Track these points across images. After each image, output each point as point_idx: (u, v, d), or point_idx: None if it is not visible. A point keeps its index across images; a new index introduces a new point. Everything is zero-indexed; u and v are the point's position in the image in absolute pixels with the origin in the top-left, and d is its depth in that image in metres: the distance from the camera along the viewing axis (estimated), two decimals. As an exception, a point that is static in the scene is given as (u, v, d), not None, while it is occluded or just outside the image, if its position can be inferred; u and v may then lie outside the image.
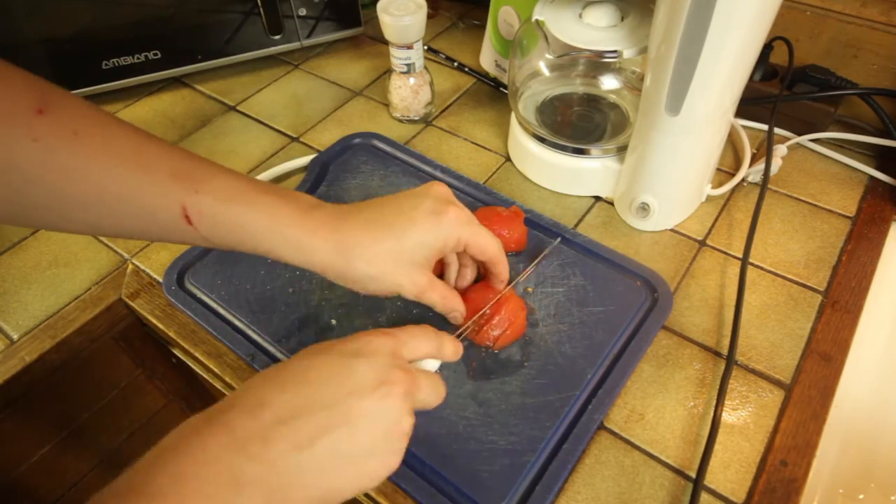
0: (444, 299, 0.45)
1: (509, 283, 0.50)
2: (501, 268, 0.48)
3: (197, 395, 0.77)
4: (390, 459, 0.34)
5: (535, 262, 0.55)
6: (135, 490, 0.28)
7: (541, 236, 0.59)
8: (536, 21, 0.58)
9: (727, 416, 0.48)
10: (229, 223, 0.39)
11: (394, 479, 0.44)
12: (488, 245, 0.46)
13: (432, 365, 0.42)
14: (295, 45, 0.82)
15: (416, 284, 0.43)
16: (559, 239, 0.57)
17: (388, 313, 0.53)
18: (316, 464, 0.31)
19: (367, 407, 0.33)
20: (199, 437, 0.30)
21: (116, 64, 0.75)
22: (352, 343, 0.36)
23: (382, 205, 0.44)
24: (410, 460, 0.45)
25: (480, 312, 0.49)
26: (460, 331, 0.47)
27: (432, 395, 0.38)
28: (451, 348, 0.42)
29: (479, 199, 0.62)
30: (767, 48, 0.68)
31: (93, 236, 0.63)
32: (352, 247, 0.41)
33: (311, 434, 0.31)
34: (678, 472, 0.45)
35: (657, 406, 0.49)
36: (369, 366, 0.34)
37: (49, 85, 0.35)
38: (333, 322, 0.53)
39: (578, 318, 0.52)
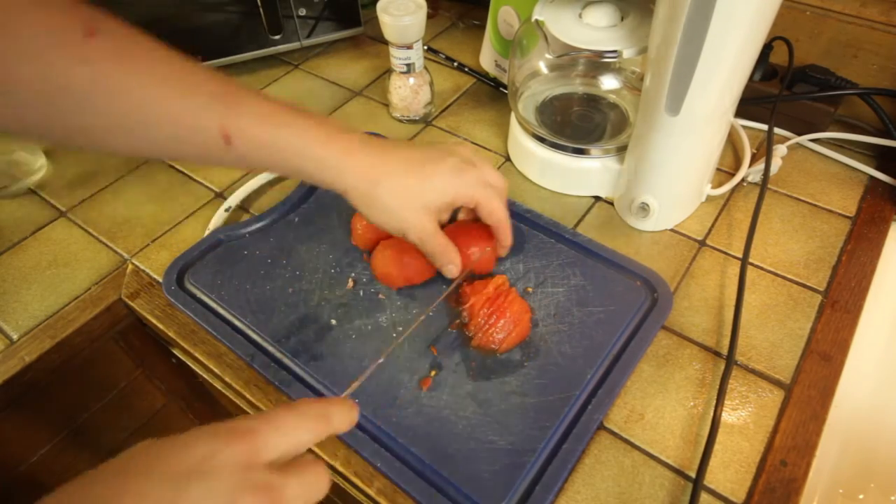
0: (444, 249, 0.48)
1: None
2: (505, 234, 0.50)
3: (196, 395, 0.77)
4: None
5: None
6: None
7: (540, 236, 0.59)
8: (536, 21, 0.58)
9: (727, 416, 0.48)
10: (265, 144, 0.41)
11: (394, 479, 0.44)
12: (497, 209, 0.48)
13: None
14: (295, 45, 0.82)
15: (424, 228, 0.46)
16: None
17: (387, 313, 0.53)
18: None
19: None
20: None
21: (116, 64, 0.75)
22: (185, 456, 0.27)
23: (416, 148, 0.47)
24: (410, 460, 0.45)
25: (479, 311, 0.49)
26: (349, 390, 0.40)
27: (306, 495, 0.29)
28: (344, 418, 0.33)
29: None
30: (767, 48, 0.68)
31: (82, 229, 0.63)
32: (381, 175, 0.44)
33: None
34: (678, 472, 0.45)
35: (657, 406, 0.49)
36: (208, 490, 0.26)
37: (96, 9, 0.36)
38: (333, 322, 0.53)
39: (578, 318, 0.52)
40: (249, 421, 0.29)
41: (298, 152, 0.42)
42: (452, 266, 0.49)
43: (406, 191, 0.44)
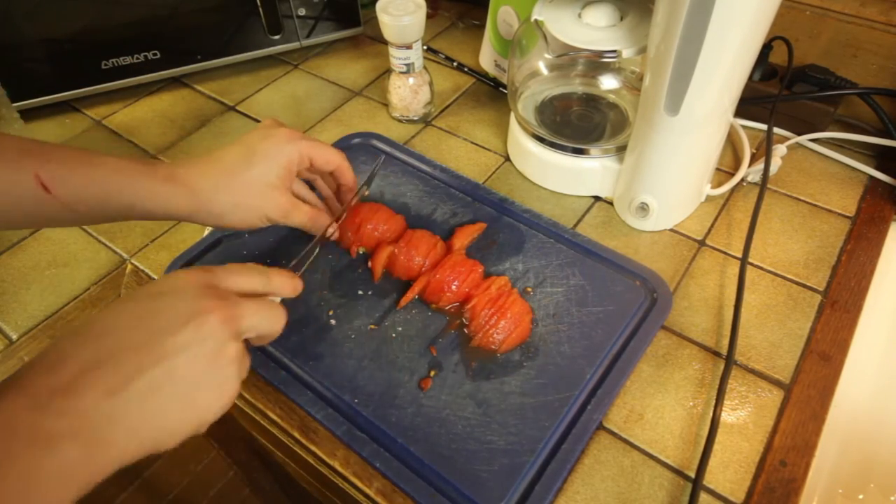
0: (311, 218, 0.50)
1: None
2: (346, 173, 0.53)
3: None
4: (221, 389, 0.33)
5: (368, 176, 0.58)
6: None
7: (540, 236, 0.59)
8: (536, 21, 0.58)
9: (726, 416, 0.48)
10: (86, 185, 0.41)
11: (393, 479, 0.44)
12: (332, 154, 0.51)
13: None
14: (294, 45, 0.82)
15: (280, 206, 0.48)
16: (383, 157, 0.61)
17: (388, 313, 0.53)
18: (135, 406, 0.30)
19: (181, 341, 0.31)
20: None
21: (116, 64, 0.75)
22: (157, 285, 0.34)
23: (221, 150, 0.48)
24: (409, 460, 0.45)
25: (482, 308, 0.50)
26: (295, 262, 0.47)
27: (263, 319, 0.36)
28: (284, 282, 0.41)
29: (477, 198, 0.62)
30: (767, 48, 0.68)
31: (81, 229, 0.63)
32: (209, 185, 0.45)
33: (123, 378, 0.30)
34: (677, 472, 0.45)
35: (656, 406, 0.49)
36: (177, 300, 0.33)
37: None
38: (332, 322, 0.53)
39: (578, 318, 0.52)
40: (204, 267, 0.37)
41: (122, 189, 0.43)
42: (329, 229, 0.52)
43: (242, 184, 0.46)
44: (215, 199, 0.45)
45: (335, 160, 0.51)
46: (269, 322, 0.37)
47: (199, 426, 0.33)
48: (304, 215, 0.50)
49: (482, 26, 0.75)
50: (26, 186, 0.40)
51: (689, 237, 0.60)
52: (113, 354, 0.30)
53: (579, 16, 0.58)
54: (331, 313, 0.53)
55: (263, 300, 0.38)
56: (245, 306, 0.35)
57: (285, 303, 0.41)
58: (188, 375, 0.31)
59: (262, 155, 0.47)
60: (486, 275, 0.54)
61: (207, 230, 0.61)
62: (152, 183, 0.43)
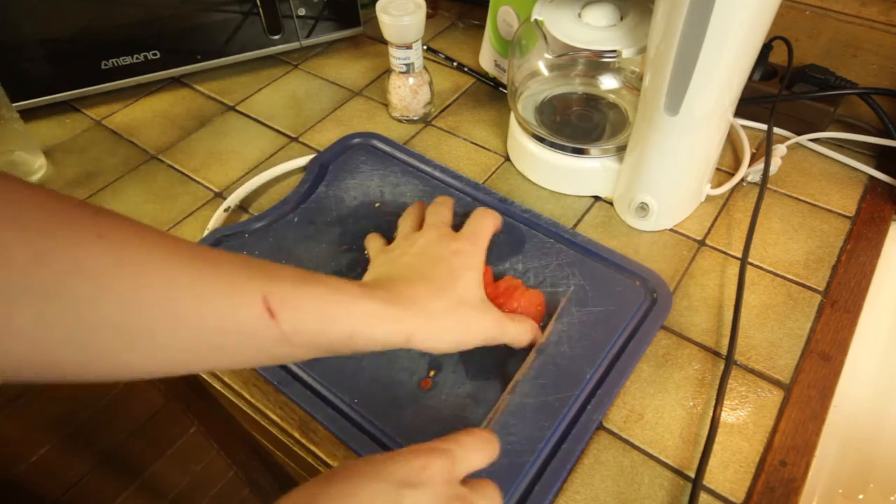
0: (529, 329, 0.48)
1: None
2: None
3: (196, 395, 0.77)
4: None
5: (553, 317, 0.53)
6: None
7: (540, 236, 0.59)
8: (535, 21, 0.58)
9: (726, 416, 0.48)
10: (311, 309, 0.35)
11: (392, 480, 0.44)
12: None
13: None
14: (294, 45, 0.82)
15: (496, 318, 0.45)
16: (572, 289, 0.55)
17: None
18: None
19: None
20: None
21: (116, 64, 0.75)
22: (404, 467, 0.32)
23: (410, 271, 0.46)
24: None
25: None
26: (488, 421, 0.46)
27: None
28: (496, 449, 0.39)
29: (477, 198, 0.62)
30: (767, 48, 0.68)
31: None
32: (426, 304, 0.42)
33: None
34: (677, 472, 0.45)
35: (656, 406, 0.49)
36: (420, 500, 0.31)
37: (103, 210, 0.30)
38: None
39: (577, 318, 0.52)
40: (443, 443, 0.35)
41: (347, 312, 0.37)
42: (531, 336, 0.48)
43: (457, 301, 0.44)
44: (433, 320, 0.41)
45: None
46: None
47: None
48: (520, 327, 0.47)
49: (482, 26, 0.75)
50: (252, 307, 0.32)
51: (688, 237, 0.60)
52: None
53: (579, 16, 0.58)
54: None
55: (486, 485, 0.36)
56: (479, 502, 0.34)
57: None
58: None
59: (462, 268, 0.45)
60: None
61: (207, 230, 0.61)
62: (374, 304, 0.38)
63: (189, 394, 0.77)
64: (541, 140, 0.63)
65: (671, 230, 0.61)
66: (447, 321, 0.42)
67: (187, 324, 0.30)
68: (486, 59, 0.77)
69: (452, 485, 0.33)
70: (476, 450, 0.36)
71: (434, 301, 0.42)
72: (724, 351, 0.51)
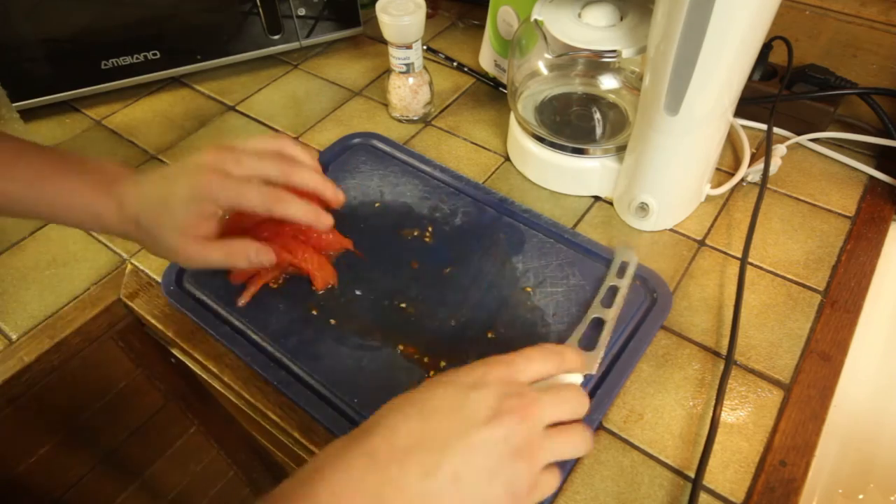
0: (227, 253, 0.47)
1: None
2: (330, 191, 0.48)
3: (196, 395, 0.77)
4: (515, 489, 0.34)
5: None
6: (297, 497, 0.31)
7: (539, 236, 0.59)
8: (535, 21, 0.58)
9: (726, 416, 0.48)
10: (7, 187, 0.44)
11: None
12: (252, 206, 0.45)
13: (574, 379, 0.40)
14: (294, 45, 0.82)
15: (185, 255, 0.46)
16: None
17: (390, 315, 0.53)
18: (439, 490, 0.32)
19: (482, 437, 0.33)
20: (345, 461, 0.32)
21: (115, 64, 0.75)
22: (470, 375, 0.36)
23: (154, 174, 0.47)
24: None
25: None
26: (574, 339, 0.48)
27: (559, 409, 0.36)
28: (575, 359, 0.40)
29: (477, 198, 0.62)
30: (767, 48, 0.68)
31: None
32: (135, 212, 0.45)
33: (435, 462, 0.32)
34: (677, 472, 0.45)
35: (656, 406, 0.49)
36: (483, 397, 0.35)
37: None
38: (332, 321, 0.53)
39: (577, 318, 0.52)
40: (507, 356, 0.38)
41: (49, 190, 0.44)
42: (253, 256, 0.48)
43: (157, 219, 0.45)
44: (136, 228, 0.45)
45: (308, 182, 0.48)
46: (568, 409, 0.37)
47: None
48: (216, 258, 0.47)
49: (482, 26, 0.75)
50: None
51: (688, 237, 0.60)
52: (429, 437, 0.33)
53: (579, 15, 0.58)
54: (330, 314, 0.53)
55: (561, 386, 0.38)
56: (544, 400, 0.36)
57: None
58: (483, 468, 0.33)
59: (176, 202, 0.44)
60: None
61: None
62: (81, 187, 0.45)
63: (189, 394, 0.76)
64: (541, 140, 0.63)
65: (671, 230, 0.61)
66: (154, 238, 0.46)
67: None
68: (486, 59, 0.77)
69: (514, 385, 0.36)
70: (538, 359, 0.38)
71: (141, 214, 0.45)
72: (724, 351, 0.51)
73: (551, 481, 0.35)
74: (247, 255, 0.47)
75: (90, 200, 0.45)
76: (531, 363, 0.38)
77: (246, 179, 0.45)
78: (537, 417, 0.35)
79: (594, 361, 0.47)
